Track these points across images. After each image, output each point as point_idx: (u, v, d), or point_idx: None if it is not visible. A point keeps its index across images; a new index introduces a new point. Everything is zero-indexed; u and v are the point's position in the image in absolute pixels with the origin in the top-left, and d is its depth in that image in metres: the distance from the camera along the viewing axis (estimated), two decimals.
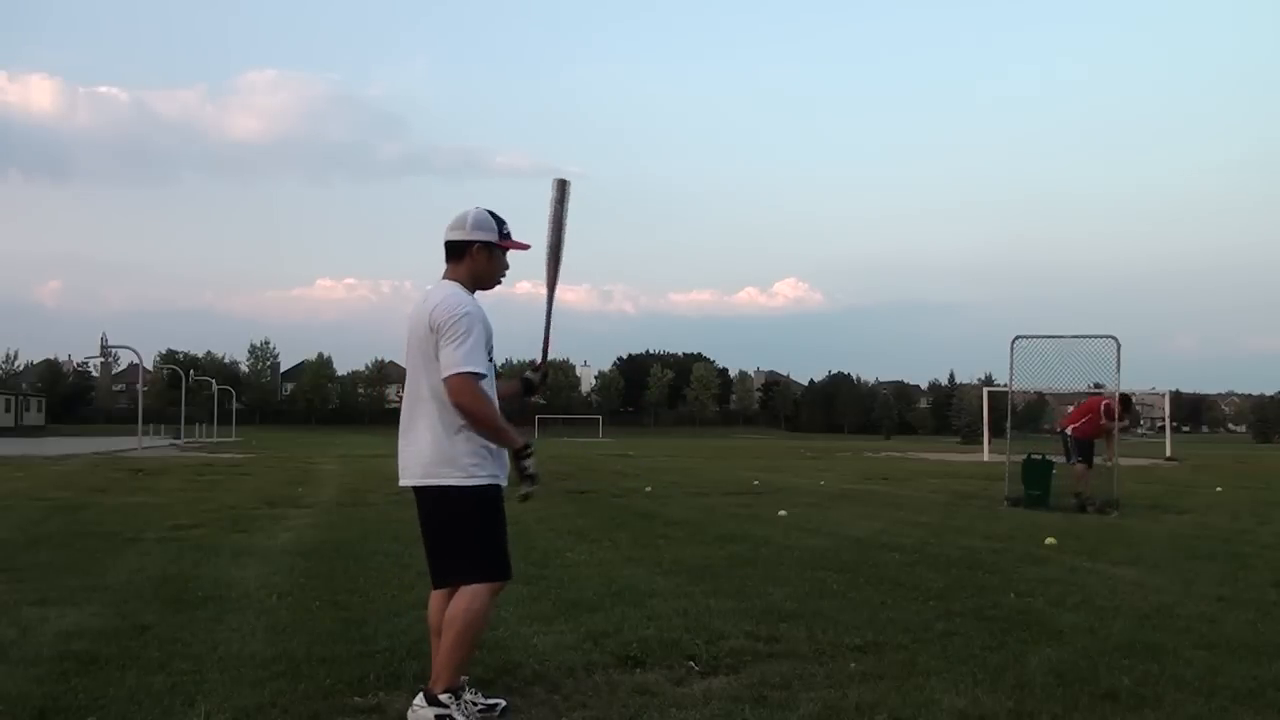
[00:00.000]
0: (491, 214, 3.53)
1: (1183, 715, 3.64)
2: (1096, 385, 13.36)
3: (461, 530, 3.42)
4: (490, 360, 3.46)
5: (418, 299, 3.55)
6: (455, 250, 3.50)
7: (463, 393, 3.27)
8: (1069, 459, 12.41)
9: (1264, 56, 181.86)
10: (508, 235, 3.55)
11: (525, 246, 3.59)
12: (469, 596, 3.39)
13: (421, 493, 3.47)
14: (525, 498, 3.45)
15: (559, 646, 4.50)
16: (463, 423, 3.34)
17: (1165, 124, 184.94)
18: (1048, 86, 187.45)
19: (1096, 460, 12.43)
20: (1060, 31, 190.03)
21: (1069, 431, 12.47)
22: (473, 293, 3.51)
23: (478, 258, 3.50)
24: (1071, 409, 13.14)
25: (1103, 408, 12.27)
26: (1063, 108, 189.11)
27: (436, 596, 3.56)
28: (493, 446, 3.41)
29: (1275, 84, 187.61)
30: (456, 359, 3.28)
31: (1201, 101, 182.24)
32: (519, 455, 3.39)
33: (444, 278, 3.53)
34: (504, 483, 3.49)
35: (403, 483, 3.51)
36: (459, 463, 3.36)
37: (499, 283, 3.59)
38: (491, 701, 3.62)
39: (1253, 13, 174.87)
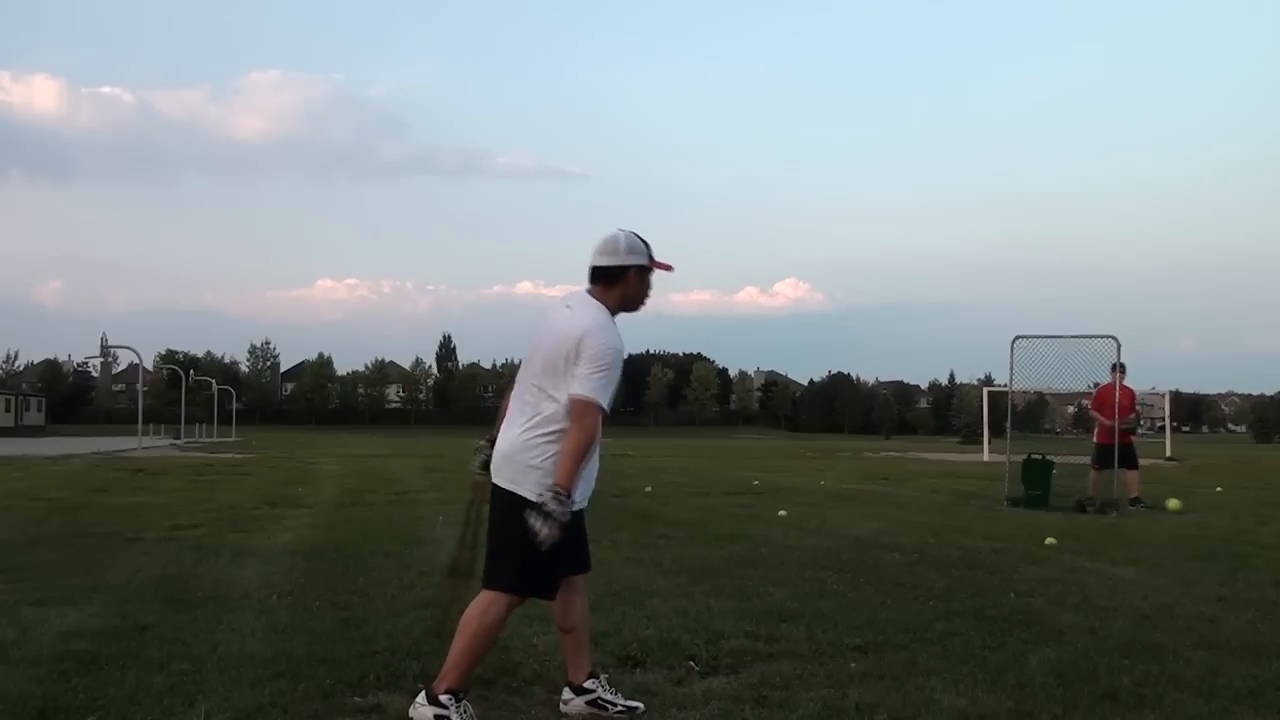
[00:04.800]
0: (638, 236, 3.54)
1: (1183, 715, 3.64)
2: (1097, 385, 13.34)
3: (515, 538, 3.37)
4: None
5: (557, 306, 3.55)
6: (608, 275, 3.48)
7: (588, 418, 3.29)
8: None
9: (1264, 57, 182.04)
10: (652, 257, 3.55)
11: (670, 268, 3.60)
12: (484, 604, 3.41)
13: (498, 492, 3.47)
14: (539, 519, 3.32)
15: (559, 646, 4.48)
16: (554, 440, 3.34)
17: (1166, 124, 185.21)
18: (1048, 87, 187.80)
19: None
20: (1061, 32, 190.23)
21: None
22: (617, 314, 3.51)
23: (632, 282, 3.50)
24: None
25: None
26: (1063, 108, 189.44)
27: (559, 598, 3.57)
28: (582, 471, 3.41)
29: (1275, 84, 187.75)
30: (597, 388, 3.29)
31: (1202, 102, 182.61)
32: (557, 494, 3.27)
33: (592, 297, 3.50)
34: (579, 506, 3.44)
35: (493, 479, 3.49)
36: (539, 480, 3.34)
37: (645, 304, 3.59)
38: (631, 704, 3.65)
39: (1253, 14, 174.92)
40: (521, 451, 3.40)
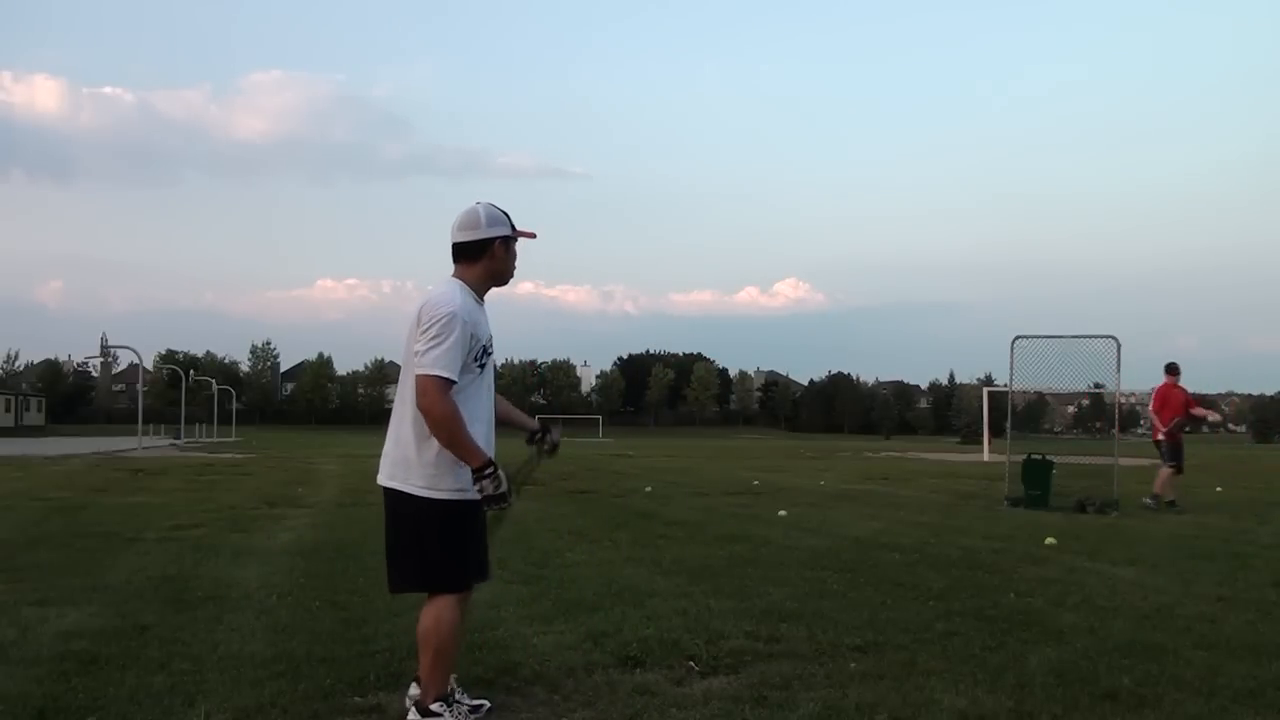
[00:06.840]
0: (497, 207, 3.47)
1: (1183, 715, 3.64)
2: (1097, 385, 13.35)
3: (413, 539, 3.36)
4: (480, 364, 3.36)
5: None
6: (471, 250, 3.40)
7: (428, 394, 3.17)
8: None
9: (1263, 56, 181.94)
10: (514, 226, 3.48)
11: (533, 235, 3.51)
12: (434, 612, 3.36)
13: (385, 494, 3.43)
14: (493, 513, 3.36)
15: (559, 646, 4.49)
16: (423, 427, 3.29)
17: (1165, 124, 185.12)
18: (1048, 87, 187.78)
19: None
20: (1060, 32, 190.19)
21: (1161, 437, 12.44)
22: (487, 290, 3.46)
23: (498, 254, 3.43)
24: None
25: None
26: (1063, 108, 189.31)
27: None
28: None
29: (1274, 84, 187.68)
30: (429, 360, 3.18)
31: (1202, 101, 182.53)
32: (477, 475, 3.22)
33: (454, 278, 3.43)
34: (478, 495, 3.35)
35: (380, 482, 3.46)
36: (422, 470, 3.30)
37: (513, 275, 3.52)
38: (476, 702, 3.61)
39: (1253, 12, 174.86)
40: (398, 447, 3.36)
